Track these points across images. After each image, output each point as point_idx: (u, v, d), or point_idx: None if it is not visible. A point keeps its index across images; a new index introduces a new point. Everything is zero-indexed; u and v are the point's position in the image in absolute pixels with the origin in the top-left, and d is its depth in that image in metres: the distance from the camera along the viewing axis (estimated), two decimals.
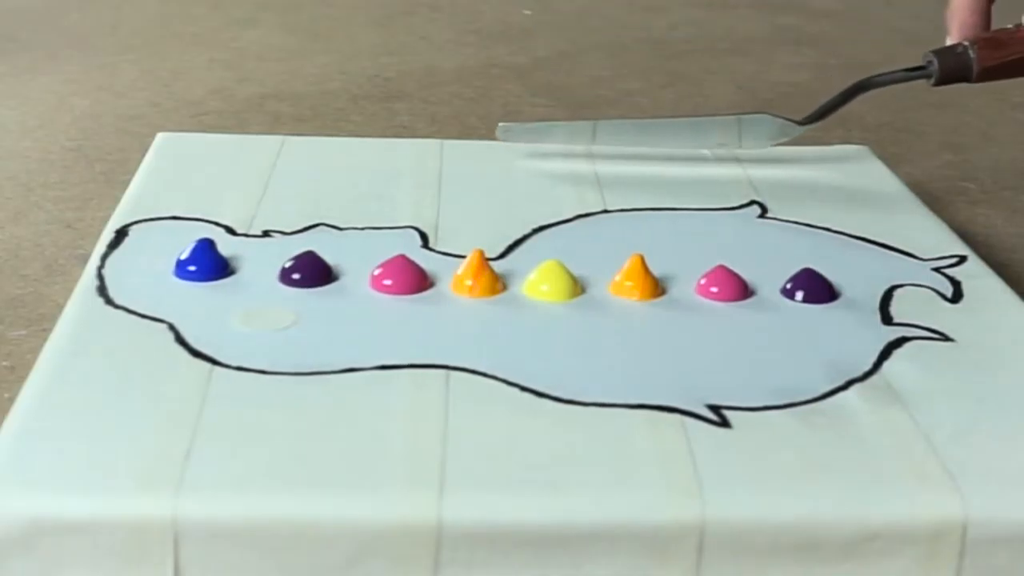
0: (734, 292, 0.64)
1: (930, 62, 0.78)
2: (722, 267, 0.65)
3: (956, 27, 0.78)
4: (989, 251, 0.85)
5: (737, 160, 0.84)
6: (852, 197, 0.79)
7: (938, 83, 0.78)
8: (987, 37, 0.77)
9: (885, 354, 0.59)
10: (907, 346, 0.60)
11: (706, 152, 0.85)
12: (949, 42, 0.78)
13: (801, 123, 0.81)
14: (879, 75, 0.80)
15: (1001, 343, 0.61)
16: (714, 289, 0.64)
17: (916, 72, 0.79)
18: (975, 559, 0.48)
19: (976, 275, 0.68)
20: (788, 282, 0.65)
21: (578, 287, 0.64)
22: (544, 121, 0.83)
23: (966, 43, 0.77)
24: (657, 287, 0.64)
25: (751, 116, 0.83)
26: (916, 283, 0.67)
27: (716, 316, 0.63)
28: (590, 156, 0.84)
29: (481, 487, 0.48)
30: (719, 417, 0.53)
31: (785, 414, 0.54)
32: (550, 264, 0.64)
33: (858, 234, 0.73)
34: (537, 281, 0.64)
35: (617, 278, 0.64)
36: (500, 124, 0.82)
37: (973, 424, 0.54)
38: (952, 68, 0.77)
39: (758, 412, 0.54)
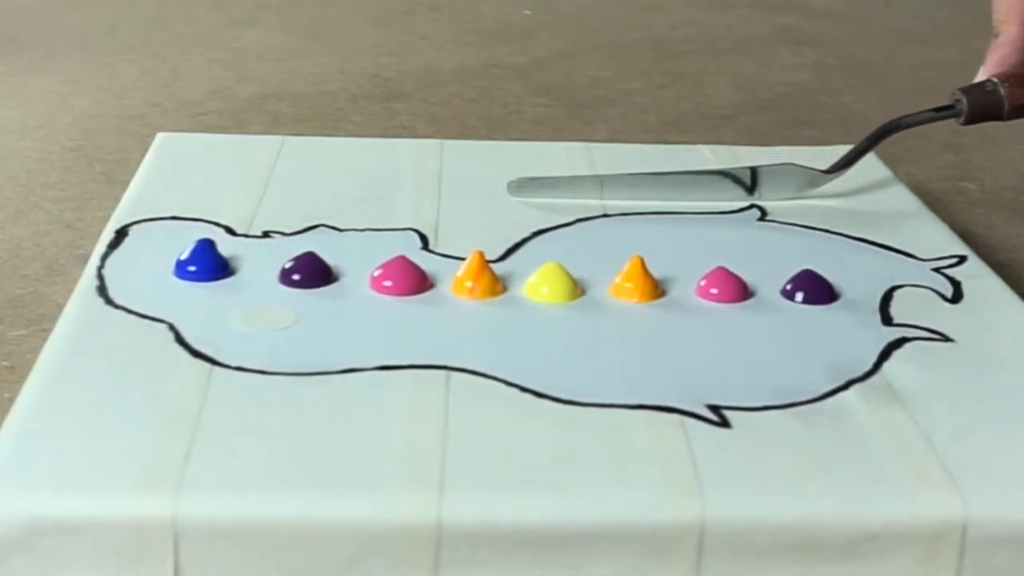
0: (734, 293, 0.64)
1: (958, 100, 0.75)
2: (722, 268, 0.65)
3: (994, 62, 0.75)
4: (989, 251, 0.85)
5: (737, 160, 0.84)
6: (852, 197, 0.79)
7: (967, 122, 0.75)
8: (1018, 74, 0.74)
9: (885, 355, 0.59)
10: (907, 346, 0.60)
11: (707, 153, 0.85)
12: (981, 76, 0.75)
13: (828, 172, 0.77)
14: (907, 116, 0.77)
15: (1001, 343, 0.61)
16: (714, 290, 0.64)
17: (944, 112, 0.76)
18: (975, 559, 0.48)
19: (976, 275, 0.68)
20: (788, 283, 0.65)
21: (578, 289, 0.64)
22: (555, 176, 0.78)
23: (995, 80, 0.74)
24: (657, 289, 0.64)
25: (773, 167, 0.77)
26: (916, 284, 0.67)
27: (716, 317, 0.63)
28: (590, 159, 0.84)
29: (481, 487, 0.48)
30: (719, 417, 0.53)
31: (785, 414, 0.54)
32: (550, 266, 0.64)
33: (858, 235, 0.73)
34: (537, 283, 0.64)
35: (617, 280, 0.64)
36: (510, 181, 0.77)
37: (973, 424, 0.54)
38: (982, 106, 0.74)
39: (758, 412, 0.54)
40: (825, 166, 0.80)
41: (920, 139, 1.16)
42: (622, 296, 0.64)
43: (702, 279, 0.65)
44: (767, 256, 0.70)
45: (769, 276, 0.66)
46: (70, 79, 1.26)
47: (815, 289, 0.64)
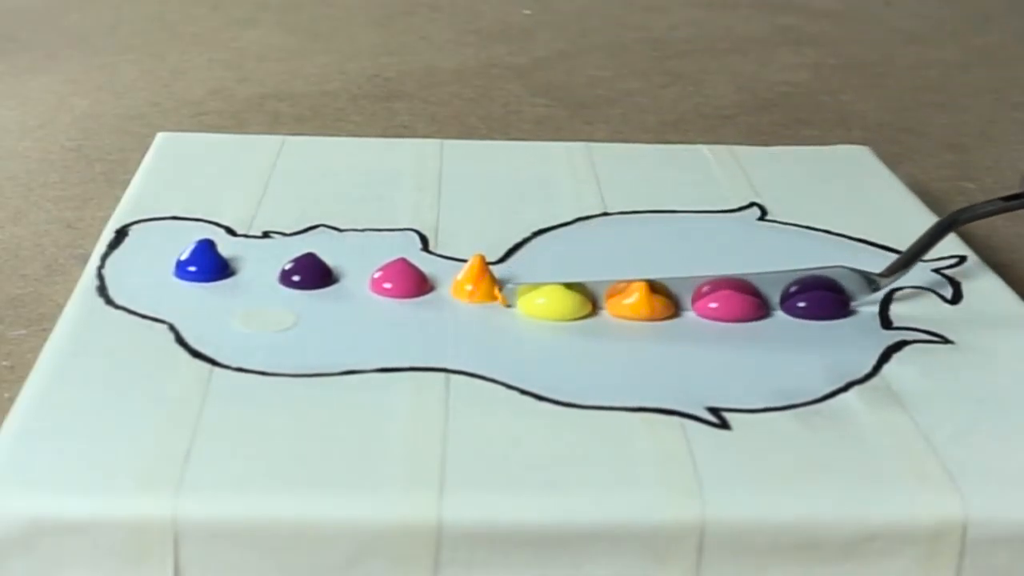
0: (737, 313, 0.63)
1: None
2: (728, 286, 0.63)
3: None
4: (989, 251, 0.85)
5: (737, 160, 0.84)
6: (852, 197, 0.79)
7: None
8: None
9: (885, 357, 0.59)
10: (907, 348, 0.60)
11: (707, 153, 0.85)
12: None
13: (884, 275, 0.66)
14: (972, 207, 0.69)
15: (1001, 343, 0.61)
16: (713, 304, 0.63)
17: (1015, 200, 0.69)
18: (975, 559, 0.48)
19: (976, 275, 0.68)
20: (792, 295, 0.63)
21: (583, 309, 0.62)
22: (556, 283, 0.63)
23: None
24: (664, 310, 0.62)
25: (826, 270, 0.65)
26: (916, 285, 0.67)
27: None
28: (590, 159, 0.84)
29: (481, 487, 0.48)
30: (718, 419, 0.53)
31: (785, 415, 0.54)
32: (554, 287, 0.62)
33: (858, 235, 0.73)
34: (540, 304, 0.62)
35: (624, 302, 0.62)
36: (508, 286, 0.64)
37: (973, 425, 0.54)
38: None
39: (758, 414, 0.54)
40: (826, 167, 0.80)
41: (920, 139, 1.16)
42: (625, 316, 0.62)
43: (703, 296, 0.63)
44: (767, 257, 0.70)
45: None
46: (70, 79, 1.26)
47: (819, 303, 0.63)
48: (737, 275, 0.64)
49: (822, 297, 0.63)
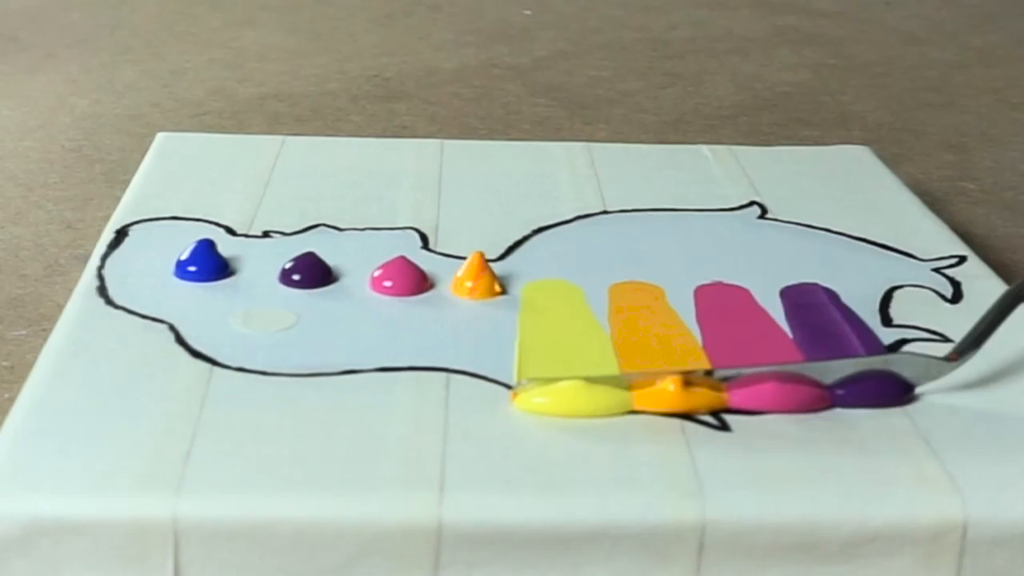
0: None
1: None
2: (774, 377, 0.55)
3: None
4: (989, 251, 0.85)
5: (737, 160, 0.84)
6: (852, 197, 0.79)
7: None
8: None
9: None
10: (907, 348, 0.60)
11: (707, 153, 0.85)
12: None
13: (951, 359, 0.58)
14: None
15: (1001, 344, 0.61)
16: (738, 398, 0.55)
17: None
18: (975, 559, 0.48)
19: (976, 275, 0.68)
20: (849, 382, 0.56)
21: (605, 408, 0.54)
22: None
23: None
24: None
25: (887, 358, 0.58)
26: (916, 284, 0.67)
27: None
28: (590, 159, 0.84)
29: (481, 487, 0.48)
30: (718, 421, 0.53)
31: (785, 418, 0.54)
32: (575, 385, 0.54)
33: (858, 234, 0.73)
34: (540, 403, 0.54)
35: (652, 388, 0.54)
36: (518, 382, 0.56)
37: (973, 425, 0.54)
38: None
39: (758, 416, 0.54)
40: (826, 167, 0.80)
41: (920, 139, 1.16)
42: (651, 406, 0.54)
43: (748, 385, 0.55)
44: (767, 256, 0.70)
45: (769, 279, 0.66)
46: (70, 79, 1.26)
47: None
48: (784, 367, 0.56)
49: (882, 385, 0.56)
